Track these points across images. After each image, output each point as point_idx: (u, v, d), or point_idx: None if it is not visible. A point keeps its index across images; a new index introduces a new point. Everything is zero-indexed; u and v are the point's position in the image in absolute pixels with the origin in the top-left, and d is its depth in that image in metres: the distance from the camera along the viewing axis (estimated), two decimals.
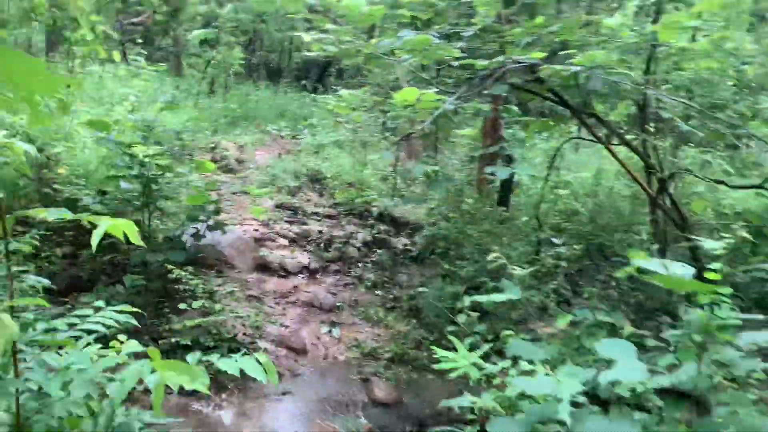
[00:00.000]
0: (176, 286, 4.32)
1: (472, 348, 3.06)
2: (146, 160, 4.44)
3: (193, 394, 3.72)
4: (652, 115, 6.62)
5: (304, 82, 22.07)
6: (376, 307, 5.68)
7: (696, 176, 5.50)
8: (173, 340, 3.88)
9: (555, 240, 7.11)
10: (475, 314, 5.11)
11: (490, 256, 3.23)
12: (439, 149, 10.84)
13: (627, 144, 6.29)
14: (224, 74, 16.16)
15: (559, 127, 9.34)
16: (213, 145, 11.49)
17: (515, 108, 8.35)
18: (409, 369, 4.57)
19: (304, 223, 7.96)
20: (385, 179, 9.95)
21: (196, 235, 4.96)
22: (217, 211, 5.07)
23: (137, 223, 5.10)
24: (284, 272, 6.29)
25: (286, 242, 7.17)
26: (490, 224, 6.52)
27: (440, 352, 2.96)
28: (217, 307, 4.12)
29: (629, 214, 8.34)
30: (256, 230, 7.37)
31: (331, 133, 12.23)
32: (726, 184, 5.32)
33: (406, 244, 7.70)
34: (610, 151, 6.23)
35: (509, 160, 7.74)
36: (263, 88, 19.18)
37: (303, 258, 6.74)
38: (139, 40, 18.42)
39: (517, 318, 5.21)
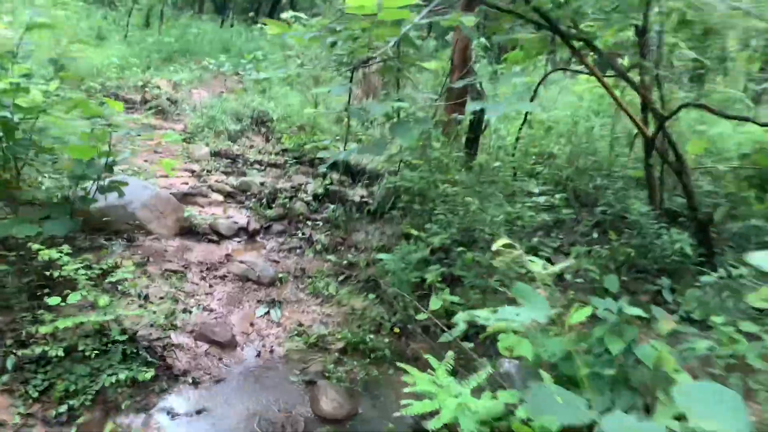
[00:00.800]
0: (56, 272, 3.19)
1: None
2: None
3: None
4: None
5: (252, 14, 20.19)
6: (327, 278, 4.67)
7: (712, 110, 4.54)
8: (38, 350, 2.80)
9: (532, 189, 6.20)
10: (445, 290, 4.18)
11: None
12: (401, 85, 9.67)
13: (624, 76, 5.30)
14: (160, 4, 14.36)
15: (536, 60, 8.30)
16: (143, 83, 10.03)
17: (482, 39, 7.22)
18: (366, 363, 3.63)
19: (244, 174, 6.80)
20: (340, 121, 8.79)
21: (84, 199, 3.79)
22: (110, 167, 3.88)
23: (3, 182, 3.92)
24: (216, 236, 5.19)
25: (220, 198, 6.03)
26: (458, 172, 5.53)
27: (410, 379, 1.99)
28: (102, 300, 3.03)
29: (609, 157, 7.48)
30: (186, 184, 6.20)
31: (279, 69, 10.86)
32: (752, 120, 4.39)
33: (363, 197, 6.66)
34: (603, 84, 5.24)
35: (479, 96, 6.70)
36: (206, 21, 17.34)
37: (240, 217, 5.64)
38: None
39: (493, 286, 4.30)
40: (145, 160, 6.88)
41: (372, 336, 3.87)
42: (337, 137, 8.23)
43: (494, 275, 4.23)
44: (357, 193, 6.72)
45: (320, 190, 6.51)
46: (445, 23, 3.95)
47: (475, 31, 5.51)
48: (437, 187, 5.33)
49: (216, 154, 7.30)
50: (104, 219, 4.64)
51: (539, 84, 6.93)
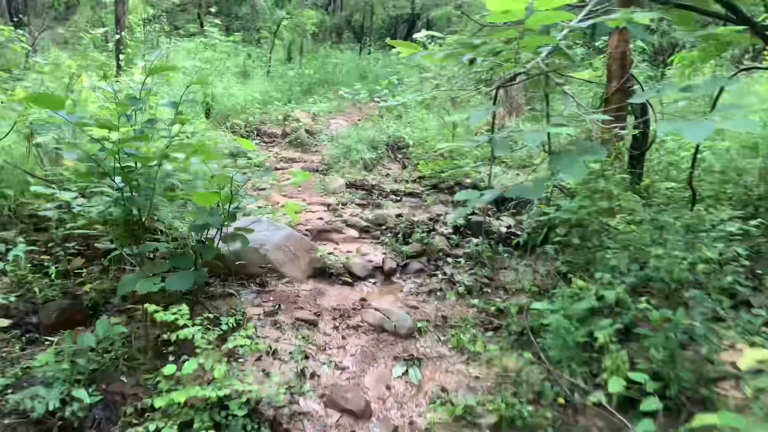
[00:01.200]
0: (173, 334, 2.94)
1: None
2: (112, 145, 3.02)
3: None
4: None
5: (388, 39, 20.38)
6: (472, 329, 4.05)
7: None
8: (152, 427, 2.50)
9: (723, 216, 5.09)
10: (621, 352, 3.36)
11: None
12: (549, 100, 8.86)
13: None
14: (300, 38, 14.83)
15: (714, 59, 7.07)
16: (283, 117, 10.20)
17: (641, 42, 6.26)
18: None
19: (379, 206, 6.41)
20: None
21: (208, 249, 3.54)
22: (233, 216, 3.60)
23: (129, 233, 3.81)
24: (350, 277, 4.80)
25: (355, 233, 5.68)
26: (624, 197, 4.64)
27: None
28: (219, 371, 2.68)
29: None
30: (320, 219, 5.94)
31: (415, 93, 10.53)
32: None
33: (509, 228, 5.97)
34: None
35: (644, 108, 5.75)
36: (344, 51, 17.69)
37: (375, 254, 5.22)
38: (213, 11, 17.57)
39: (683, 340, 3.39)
40: (284, 194, 6.78)
41: (530, 408, 3.17)
42: (479, 162, 7.62)
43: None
44: (502, 223, 6.05)
45: (461, 221, 5.93)
46: (612, 23, 3.22)
47: (646, 31, 4.64)
48: (600, 219, 4.51)
49: (351, 186, 7.02)
50: (237, 263, 4.45)
51: (722, 88, 5.79)
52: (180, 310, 2.89)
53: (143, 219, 3.48)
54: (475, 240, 5.52)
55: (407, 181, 7.38)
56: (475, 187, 6.78)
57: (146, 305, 2.91)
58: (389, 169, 8.06)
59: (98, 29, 12.16)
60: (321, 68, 14.45)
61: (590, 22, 2.93)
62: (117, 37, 10.64)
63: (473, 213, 6.10)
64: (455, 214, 6.09)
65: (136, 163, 3.22)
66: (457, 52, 3.95)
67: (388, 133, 8.88)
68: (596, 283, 3.76)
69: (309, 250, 4.86)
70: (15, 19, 15.39)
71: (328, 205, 6.35)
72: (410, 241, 5.49)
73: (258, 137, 9.44)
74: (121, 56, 10.97)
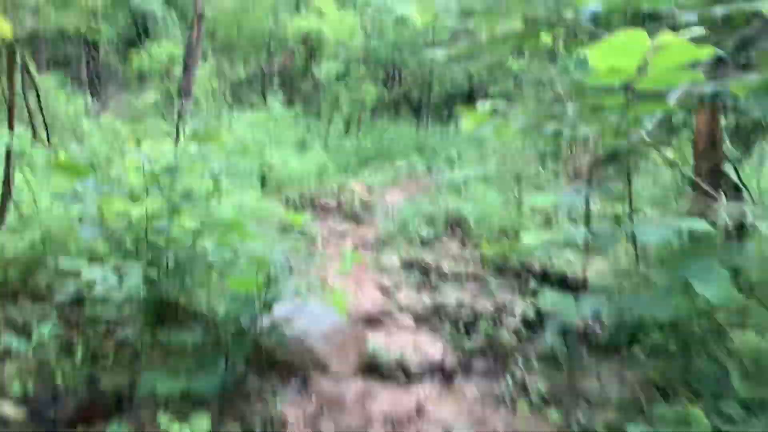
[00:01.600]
0: None
1: None
2: (138, 222, 2.61)
3: None
4: None
5: (446, 112, 20.29)
6: None
7: None
8: None
9: None
10: None
11: None
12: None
13: None
14: (359, 111, 14.85)
15: None
16: (338, 188, 9.91)
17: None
18: None
19: (438, 290, 5.82)
20: (548, 222, 7.54)
21: (239, 344, 3.03)
22: (269, 305, 3.10)
23: (156, 319, 3.36)
24: (404, 376, 4.18)
25: (411, 321, 5.08)
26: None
27: None
28: None
29: None
30: (372, 301, 5.39)
31: (476, 167, 10.09)
32: None
33: (587, 322, 5.23)
34: None
35: (737, 191, 5.07)
36: (401, 125, 17.65)
37: (433, 348, 4.59)
38: (277, 84, 18.00)
39: None
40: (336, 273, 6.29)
41: None
42: (546, 242, 6.97)
43: None
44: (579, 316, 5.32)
45: (530, 313, 5.25)
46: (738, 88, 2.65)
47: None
48: (703, 319, 3.78)
49: (407, 265, 6.48)
50: (278, 352, 3.92)
51: None
52: (200, 420, 2.35)
53: (173, 303, 3.02)
54: (547, 336, 4.82)
55: (468, 262, 6.78)
56: (545, 275, 6.12)
57: (159, 415, 2.39)
58: (448, 247, 7.49)
59: (151, 98, 12.50)
60: (378, 141, 14.32)
61: (717, 86, 2.38)
62: (179, 106, 10.80)
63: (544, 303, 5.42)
64: (523, 304, 5.43)
65: (166, 245, 2.82)
66: (537, 122, 3.46)
67: (447, 209, 8.39)
68: (710, 412, 3.00)
69: (358, 341, 4.29)
70: (91, 88, 16.17)
71: (382, 286, 5.81)
72: (473, 333, 4.84)
73: (312, 208, 9.13)
74: (185, 125, 11.11)
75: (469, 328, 4.94)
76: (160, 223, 2.73)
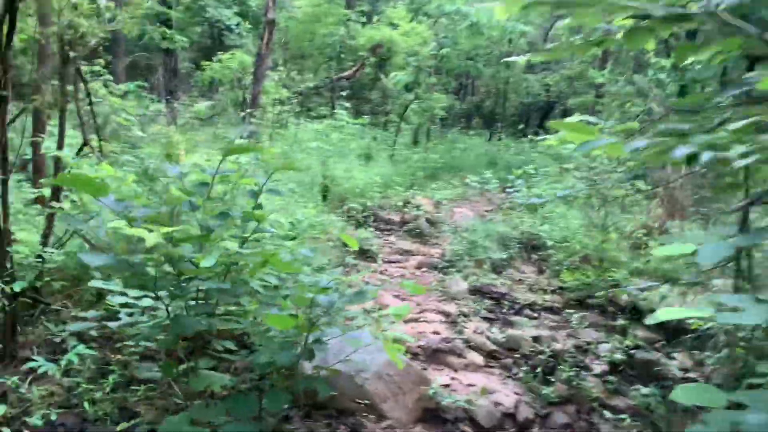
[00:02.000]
0: None
1: None
2: (157, 248, 2.15)
3: None
4: None
5: (522, 126, 19.44)
6: None
7: None
8: None
9: None
10: None
11: None
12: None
13: None
14: (428, 122, 14.31)
15: None
16: (403, 203, 9.38)
17: None
18: None
19: (511, 323, 5.15)
20: (636, 248, 6.71)
21: (275, 397, 2.52)
22: (311, 353, 2.57)
23: (185, 355, 2.88)
24: (471, 426, 3.57)
25: (479, 359, 4.45)
26: None
27: None
28: None
29: None
30: (436, 333, 4.80)
31: (554, 185, 9.31)
32: None
33: (687, 372, 4.44)
34: None
35: None
36: (473, 137, 16.98)
37: (506, 394, 3.95)
38: (345, 94, 17.79)
39: None
40: (397, 295, 5.75)
41: None
42: (636, 271, 6.16)
43: None
44: (676, 363, 4.53)
45: (619, 355, 4.50)
46: None
47: None
48: None
49: (476, 291, 5.84)
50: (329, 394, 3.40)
51: None
52: None
53: (203, 338, 2.56)
54: (641, 387, 4.07)
55: (545, 291, 6.06)
56: (635, 311, 5.34)
57: None
58: (522, 273, 6.79)
59: (213, 106, 12.42)
60: (447, 153, 13.73)
61: None
62: (244, 115, 10.64)
63: (637, 347, 4.65)
64: (611, 345, 4.68)
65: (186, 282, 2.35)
66: (665, 143, 2.78)
67: (521, 230, 7.69)
68: None
69: (418, 383, 3.71)
70: (167, 97, 16.49)
71: (447, 314, 5.20)
72: (552, 379, 4.16)
73: (374, 223, 8.65)
74: (248, 135, 10.96)
75: (548, 372, 4.26)
76: (187, 248, 2.28)
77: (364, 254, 7.02)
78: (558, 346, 4.59)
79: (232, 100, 15.75)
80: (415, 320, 5.04)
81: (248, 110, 12.52)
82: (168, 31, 13.68)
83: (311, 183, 8.72)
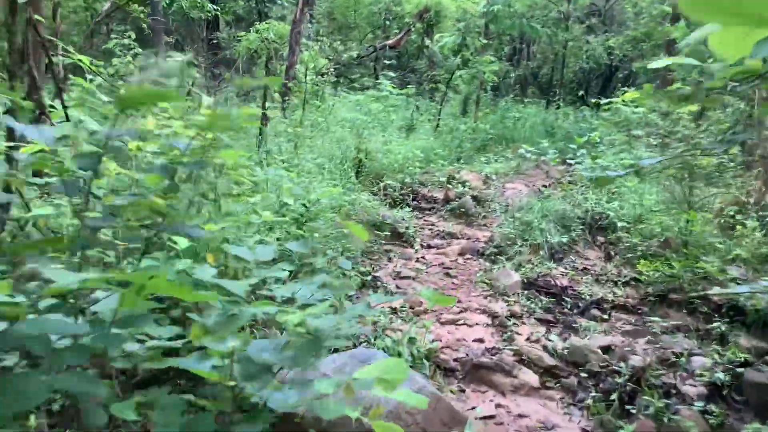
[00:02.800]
0: None
1: None
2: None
3: None
4: None
5: (582, 93, 17.84)
6: None
7: None
8: None
9: None
10: None
11: None
12: None
13: None
14: (477, 89, 13.07)
15: None
16: (448, 178, 8.36)
17: None
18: None
19: (575, 328, 4.10)
20: (732, 230, 5.48)
21: (255, 415, 1.62)
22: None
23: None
24: None
25: (534, 378, 3.46)
26: None
27: None
28: None
29: None
30: (480, 341, 3.83)
31: (622, 155, 8.05)
32: None
33: None
34: None
35: None
36: (529, 105, 15.61)
37: (570, 430, 2.96)
38: (390, 64, 16.75)
39: None
40: (435, 288, 4.78)
41: None
42: (733, 261, 4.97)
43: None
44: None
45: (721, 375, 3.41)
46: None
47: None
48: None
49: (531, 285, 4.81)
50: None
51: None
52: None
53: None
54: (759, 425, 2.99)
55: (616, 284, 4.96)
56: (736, 309, 4.18)
57: None
58: (587, 259, 5.69)
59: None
60: (499, 123, 12.50)
61: None
62: (277, 87, 9.82)
63: (746, 363, 3.54)
64: (708, 360, 3.59)
65: None
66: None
67: (585, 207, 6.53)
68: None
69: (450, 423, 2.76)
70: (207, 68, 15.95)
71: (494, 315, 4.21)
72: (633, 410, 3.13)
73: (414, 202, 7.66)
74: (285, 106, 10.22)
75: (625, 398, 3.23)
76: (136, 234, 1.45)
77: (400, 237, 6.09)
78: (637, 359, 3.53)
79: (270, 72, 14.97)
80: (454, 322, 4.08)
81: (284, 83, 11.72)
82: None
83: (343, 158, 7.80)
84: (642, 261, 4.98)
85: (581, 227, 6.20)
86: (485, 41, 11.96)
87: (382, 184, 7.75)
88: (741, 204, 6.20)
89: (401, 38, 18.91)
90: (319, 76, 12.44)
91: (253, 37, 14.30)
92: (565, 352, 3.64)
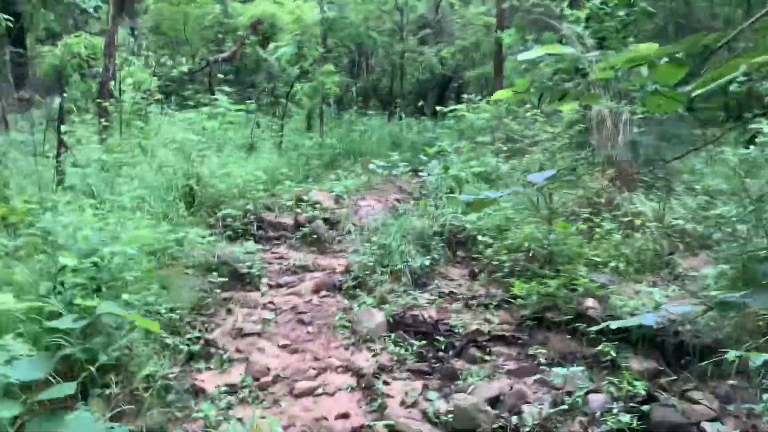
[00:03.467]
0: None
1: None
2: None
3: None
4: None
5: (421, 103, 17.94)
6: None
7: None
8: None
9: None
10: None
11: None
12: None
13: None
14: (321, 103, 12.40)
15: None
16: (296, 200, 7.51)
17: None
18: None
19: (453, 375, 3.46)
20: (590, 233, 5.25)
21: None
22: None
23: None
24: None
25: None
26: None
27: None
28: None
29: None
30: (343, 417, 3.01)
31: (471, 162, 7.77)
32: None
33: (720, 421, 2.98)
34: None
35: None
36: (372, 117, 15.30)
37: None
38: (225, 78, 15.52)
39: None
40: (284, 345, 3.91)
41: None
42: (606, 269, 4.70)
43: None
44: (703, 407, 3.06)
45: (626, 418, 2.95)
46: None
47: None
48: None
49: (397, 324, 4.11)
50: None
51: None
52: None
53: None
54: None
55: (488, 307, 4.46)
56: (612, 319, 3.82)
57: None
58: (451, 280, 5.17)
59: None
60: (345, 137, 11.92)
61: None
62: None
63: (650, 398, 3.12)
64: (606, 393, 3.12)
65: None
66: None
67: (442, 221, 6.06)
68: None
69: None
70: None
71: (359, 373, 3.43)
72: None
73: (260, 231, 6.70)
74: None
75: None
76: None
77: (242, 280, 5.12)
78: (532, 411, 2.96)
79: (84, 92, 13.10)
80: (312, 391, 3.24)
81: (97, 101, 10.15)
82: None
83: (170, 186, 6.64)
84: (513, 280, 4.53)
85: (441, 244, 5.69)
86: (323, 50, 11.31)
87: (219, 214, 6.69)
88: (592, 205, 6.12)
89: (235, 51, 17.71)
90: (143, 94, 10.98)
91: (60, 51, 12.35)
92: (450, 417, 2.95)
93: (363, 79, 19.88)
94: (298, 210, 7.15)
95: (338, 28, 11.92)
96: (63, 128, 7.24)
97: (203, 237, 5.66)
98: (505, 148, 6.95)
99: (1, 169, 6.55)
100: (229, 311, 4.46)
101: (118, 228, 4.30)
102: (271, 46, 12.17)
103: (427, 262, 5.21)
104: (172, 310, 4.17)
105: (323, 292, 4.90)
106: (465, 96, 11.94)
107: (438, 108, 10.99)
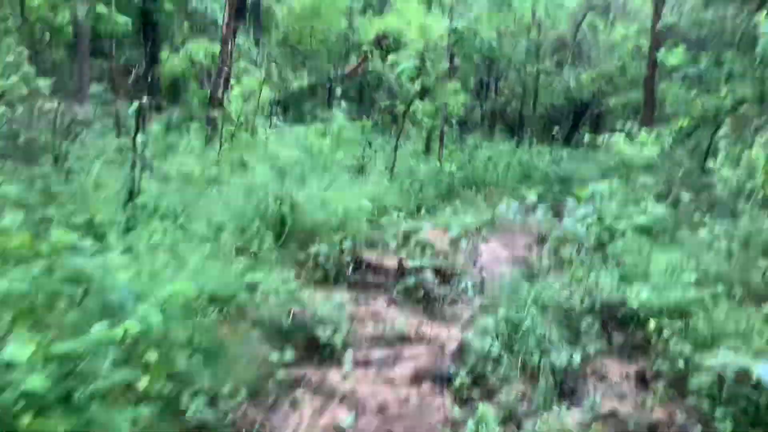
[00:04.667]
0: None
1: None
2: None
3: None
4: None
5: (556, 130, 16.07)
6: None
7: None
8: None
9: None
10: None
11: None
12: None
13: None
14: (442, 124, 11.13)
15: None
16: (403, 239, 6.25)
17: None
18: None
19: None
20: None
21: None
22: None
23: None
24: None
25: None
26: None
27: None
28: None
29: None
30: None
31: (631, 208, 6.07)
32: None
33: None
34: None
35: None
36: (498, 142, 13.78)
37: None
38: (345, 94, 14.78)
39: None
40: None
41: None
42: None
43: None
44: None
45: None
46: None
47: None
48: None
49: None
50: None
51: None
52: None
53: None
54: None
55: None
56: None
57: None
58: (612, 387, 3.60)
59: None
60: (468, 163, 10.54)
61: None
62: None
63: None
64: None
65: None
66: None
67: (593, 291, 4.48)
68: None
69: None
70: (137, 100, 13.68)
71: None
72: None
73: (356, 274, 5.49)
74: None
75: None
76: None
77: (320, 352, 3.88)
78: None
79: (201, 100, 12.82)
80: None
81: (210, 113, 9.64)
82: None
83: (257, 213, 5.63)
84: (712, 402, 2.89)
85: (593, 325, 4.11)
86: (448, 66, 10.04)
87: (312, 250, 5.55)
88: None
89: (358, 66, 17.04)
90: (254, 106, 10.36)
91: (178, 59, 12.17)
92: None
93: (491, 100, 18.39)
94: (404, 253, 5.86)
95: (467, 41, 10.59)
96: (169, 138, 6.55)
97: (285, 282, 4.53)
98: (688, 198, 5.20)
99: (85, 180, 5.93)
100: (294, 403, 3.22)
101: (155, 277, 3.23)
102: (391, 58, 11.09)
103: (577, 355, 3.67)
104: (215, 394, 3.02)
105: (425, 384, 3.53)
106: (615, 125, 10.08)
107: (586, 136, 9.29)
